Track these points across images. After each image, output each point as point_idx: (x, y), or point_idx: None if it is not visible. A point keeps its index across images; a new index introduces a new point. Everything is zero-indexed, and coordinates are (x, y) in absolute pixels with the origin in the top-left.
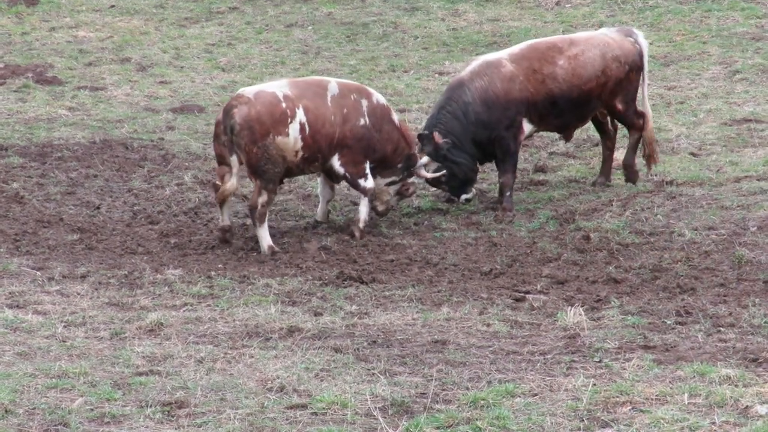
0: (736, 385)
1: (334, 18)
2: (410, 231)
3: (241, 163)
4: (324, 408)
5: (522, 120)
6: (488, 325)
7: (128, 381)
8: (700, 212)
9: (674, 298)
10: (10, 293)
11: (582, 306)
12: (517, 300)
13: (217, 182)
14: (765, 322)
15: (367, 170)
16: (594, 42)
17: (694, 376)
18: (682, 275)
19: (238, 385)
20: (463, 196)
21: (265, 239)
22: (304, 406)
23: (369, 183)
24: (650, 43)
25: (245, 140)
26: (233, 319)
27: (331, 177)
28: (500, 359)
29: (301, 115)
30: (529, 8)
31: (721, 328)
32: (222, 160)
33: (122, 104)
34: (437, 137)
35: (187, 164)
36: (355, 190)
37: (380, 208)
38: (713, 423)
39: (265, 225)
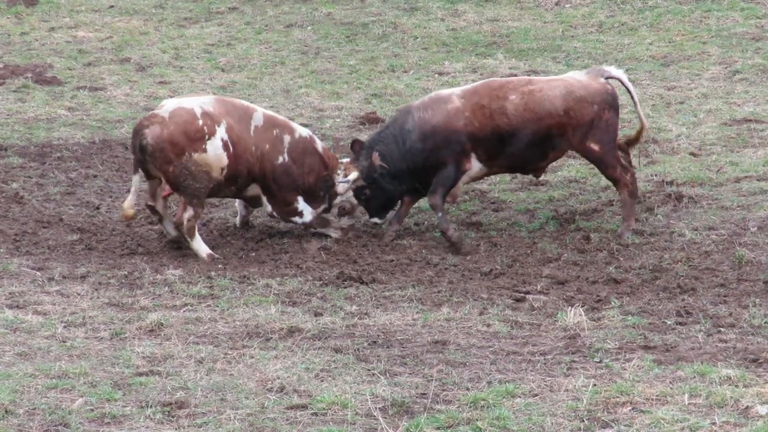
0: (737, 386)
1: (334, 18)
2: (410, 231)
3: (144, 181)
4: (324, 408)
5: (470, 152)
6: (488, 325)
7: (128, 381)
8: (700, 212)
9: (674, 299)
10: (10, 293)
11: (582, 306)
12: (518, 300)
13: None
14: (765, 323)
15: (300, 206)
16: (555, 83)
17: (695, 377)
18: (682, 275)
19: (239, 386)
20: (374, 219)
21: (202, 249)
22: (304, 407)
23: (306, 218)
24: (650, 44)
25: (159, 161)
26: (233, 319)
27: (261, 206)
28: (500, 359)
29: (222, 133)
30: (528, 8)
31: (722, 329)
32: (148, 176)
33: (122, 104)
34: (375, 158)
35: None
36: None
37: (335, 234)
38: (713, 423)
39: (197, 237)
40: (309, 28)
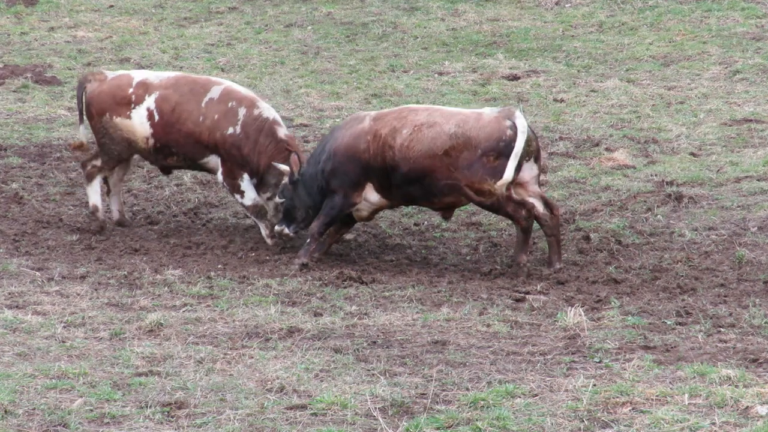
0: (737, 386)
1: (334, 18)
2: (410, 231)
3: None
4: (324, 408)
5: (365, 183)
6: (488, 325)
7: (128, 381)
8: (701, 212)
9: (674, 299)
10: (9, 293)
11: (582, 306)
12: (517, 300)
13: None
14: (765, 323)
15: (243, 185)
16: (453, 119)
17: (695, 377)
18: (682, 275)
19: (238, 386)
20: (286, 230)
21: (92, 197)
22: (304, 407)
23: (246, 200)
24: (650, 43)
25: (89, 113)
26: (233, 319)
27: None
28: (500, 360)
29: (150, 103)
30: (528, 8)
31: (722, 329)
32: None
33: None
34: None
35: None
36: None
37: (264, 231)
38: (713, 423)
39: (94, 184)
40: (309, 27)
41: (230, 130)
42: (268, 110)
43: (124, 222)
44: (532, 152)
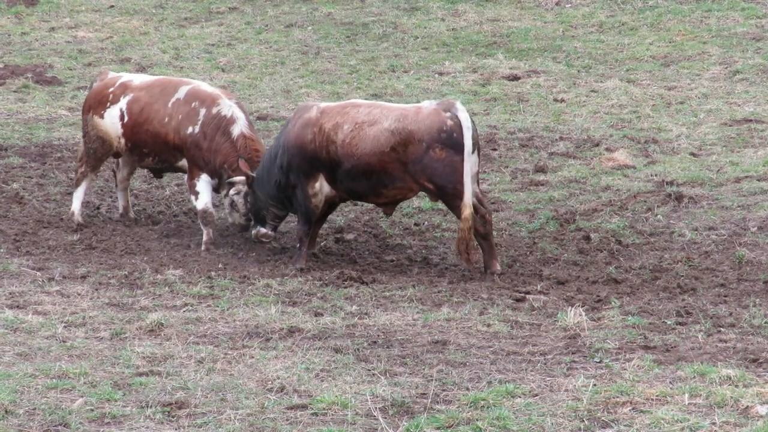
0: (737, 386)
1: (334, 18)
2: (410, 231)
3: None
4: (324, 408)
5: (317, 174)
6: (488, 325)
7: (128, 381)
8: (700, 212)
9: (674, 299)
10: (10, 293)
11: (582, 306)
12: (518, 300)
13: None
14: (765, 323)
15: (199, 187)
16: (391, 116)
17: (695, 377)
18: (682, 275)
19: (239, 386)
20: (262, 230)
21: (74, 203)
22: (304, 407)
23: (198, 203)
24: (650, 43)
25: (82, 110)
26: (233, 319)
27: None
28: (500, 359)
29: (123, 103)
30: (529, 8)
31: (722, 329)
32: None
33: None
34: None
35: None
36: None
37: (205, 236)
38: (713, 423)
39: (80, 189)
40: (309, 28)
41: (189, 130)
42: (227, 108)
43: (128, 218)
44: (474, 144)
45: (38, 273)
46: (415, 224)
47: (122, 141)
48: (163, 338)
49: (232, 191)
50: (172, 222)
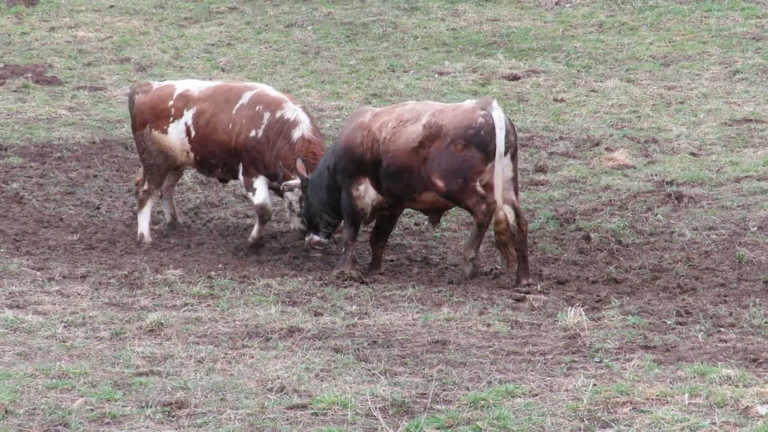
0: (737, 386)
1: (334, 18)
2: (410, 231)
3: None
4: (324, 408)
5: (362, 176)
6: (488, 325)
7: (128, 381)
8: (700, 212)
9: (674, 298)
10: (10, 293)
11: (582, 306)
12: (518, 300)
13: None
14: (765, 322)
15: (257, 184)
16: (431, 111)
17: (695, 377)
18: (682, 275)
19: (239, 386)
20: (315, 237)
21: (141, 225)
22: (304, 407)
23: (257, 197)
24: (650, 43)
25: (132, 125)
26: (233, 319)
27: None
28: (500, 359)
29: (188, 117)
30: (529, 8)
31: (722, 329)
32: None
33: (122, 104)
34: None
35: None
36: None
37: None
38: (713, 423)
39: (144, 211)
40: (309, 27)
41: (253, 133)
42: (292, 111)
43: (176, 225)
44: (509, 147)
45: (38, 273)
46: (415, 224)
47: (191, 155)
48: (163, 338)
49: (289, 194)
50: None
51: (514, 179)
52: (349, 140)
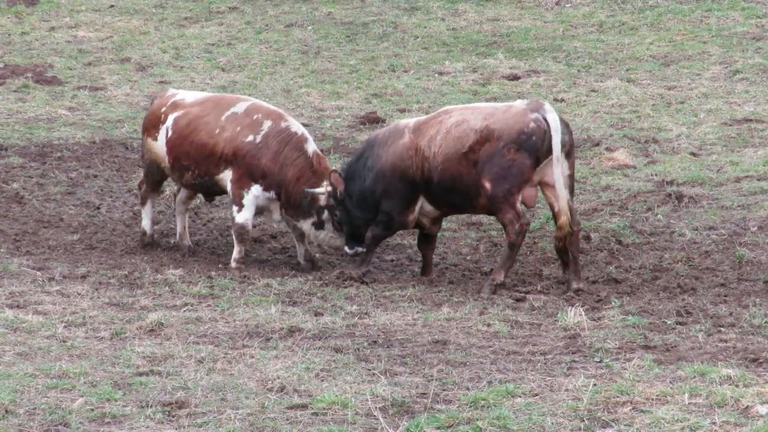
0: (737, 385)
1: (334, 18)
2: (410, 231)
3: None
4: (324, 408)
5: (418, 196)
6: (489, 325)
7: (129, 381)
8: (700, 212)
9: (675, 298)
10: (10, 293)
11: (582, 306)
12: (518, 300)
13: None
14: (765, 322)
15: (246, 200)
16: (481, 114)
17: (695, 376)
18: (682, 275)
19: (239, 386)
20: (356, 248)
21: (144, 221)
22: (304, 407)
23: (240, 216)
24: (650, 43)
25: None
26: (234, 319)
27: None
28: (501, 359)
29: (169, 122)
30: (529, 8)
31: (722, 328)
32: None
33: (122, 104)
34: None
35: None
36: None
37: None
38: (714, 423)
39: (146, 207)
40: (309, 27)
41: (249, 137)
42: (297, 126)
43: (183, 244)
44: (564, 146)
45: (38, 273)
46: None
47: (167, 160)
48: (163, 338)
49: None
50: (173, 222)
51: (571, 176)
52: (396, 164)
